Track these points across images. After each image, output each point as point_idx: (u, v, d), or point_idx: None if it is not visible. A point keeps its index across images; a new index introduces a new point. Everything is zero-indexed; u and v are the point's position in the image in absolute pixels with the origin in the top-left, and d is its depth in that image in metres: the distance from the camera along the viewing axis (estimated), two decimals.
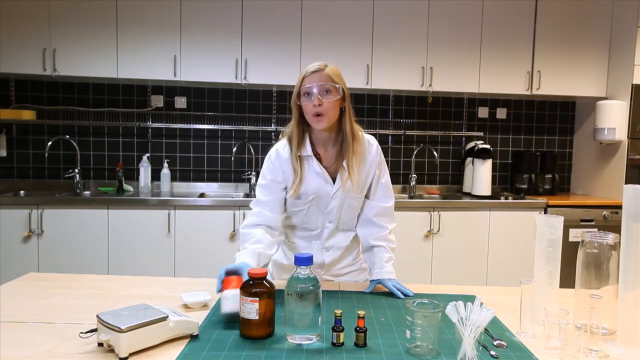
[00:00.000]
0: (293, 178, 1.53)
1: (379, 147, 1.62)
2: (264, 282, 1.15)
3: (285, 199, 1.58)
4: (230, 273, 1.27)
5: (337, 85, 1.45)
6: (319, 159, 1.55)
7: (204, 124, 3.67)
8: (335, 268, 1.66)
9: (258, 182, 1.60)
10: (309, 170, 1.54)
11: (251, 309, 1.11)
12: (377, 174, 1.61)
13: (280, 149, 1.57)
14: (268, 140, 3.73)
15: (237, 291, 1.17)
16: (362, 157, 1.56)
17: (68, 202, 3.10)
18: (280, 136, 1.61)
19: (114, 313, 1.06)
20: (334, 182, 1.55)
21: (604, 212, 3.43)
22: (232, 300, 1.19)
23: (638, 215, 1.10)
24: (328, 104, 1.43)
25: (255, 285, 1.13)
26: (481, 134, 3.92)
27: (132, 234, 3.10)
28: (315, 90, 1.42)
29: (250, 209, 1.59)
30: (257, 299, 1.11)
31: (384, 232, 1.61)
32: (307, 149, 1.53)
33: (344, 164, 1.53)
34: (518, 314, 1.21)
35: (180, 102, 3.66)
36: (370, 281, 1.56)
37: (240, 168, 3.75)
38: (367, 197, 1.63)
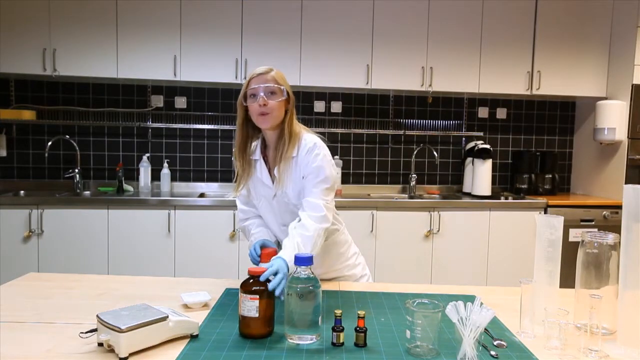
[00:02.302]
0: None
1: (323, 151, 1.52)
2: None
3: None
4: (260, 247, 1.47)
5: (282, 87, 1.49)
6: (267, 161, 1.59)
7: (204, 124, 3.67)
8: (317, 273, 1.61)
9: None
10: (259, 171, 1.58)
11: (251, 307, 1.11)
12: (310, 178, 1.50)
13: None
14: None
15: None
16: (294, 162, 1.52)
17: (68, 202, 3.10)
18: None
19: (114, 313, 1.06)
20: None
21: (604, 212, 3.43)
22: None
23: (638, 215, 1.10)
24: (273, 104, 1.46)
25: (255, 283, 1.13)
26: (481, 134, 3.92)
27: (132, 234, 3.10)
28: (261, 92, 1.46)
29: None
30: (258, 296, 1.12)
31: (298, 218, 1.49)
32: (257, 153, 1.59)
33: (275, 170, 1.53)
34: (518, 314, 1.21)
35: (180, 102, 3.66)
36: None
37: None
38: None
